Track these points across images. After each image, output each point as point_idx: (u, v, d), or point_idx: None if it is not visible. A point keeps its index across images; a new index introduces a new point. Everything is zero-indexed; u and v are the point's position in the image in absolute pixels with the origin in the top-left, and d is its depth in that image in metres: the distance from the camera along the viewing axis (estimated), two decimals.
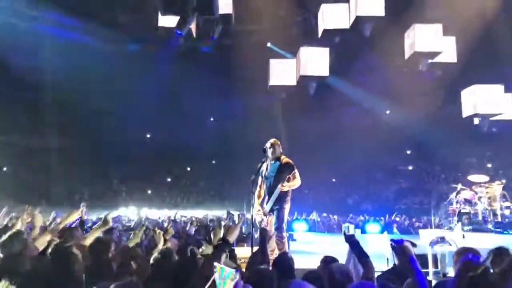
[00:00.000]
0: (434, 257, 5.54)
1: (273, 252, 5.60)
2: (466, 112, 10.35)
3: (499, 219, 9.77)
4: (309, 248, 9.26)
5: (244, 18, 11.19)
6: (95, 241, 3.85)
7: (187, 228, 9.13)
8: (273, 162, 6.15)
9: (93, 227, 4.72)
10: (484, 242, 7.60)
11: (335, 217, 18.98)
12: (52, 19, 14.25)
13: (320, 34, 9.73)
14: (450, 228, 9.97)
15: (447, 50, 9.63)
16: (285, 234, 6.12)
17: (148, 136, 26.74)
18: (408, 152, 25.28)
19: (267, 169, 6.18)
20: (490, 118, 10.27)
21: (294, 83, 10.21)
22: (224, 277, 2.25)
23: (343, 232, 3.54)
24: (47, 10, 13.63)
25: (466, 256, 2.76)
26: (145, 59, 16.87)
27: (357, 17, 8.91)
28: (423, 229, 12.05)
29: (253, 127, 19.34)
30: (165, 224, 8.75)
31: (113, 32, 14.45)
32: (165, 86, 19.40)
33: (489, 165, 21.07)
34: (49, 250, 3.23)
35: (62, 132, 21.21)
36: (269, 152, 6.15)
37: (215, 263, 2.36)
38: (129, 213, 21.09)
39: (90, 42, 15.68)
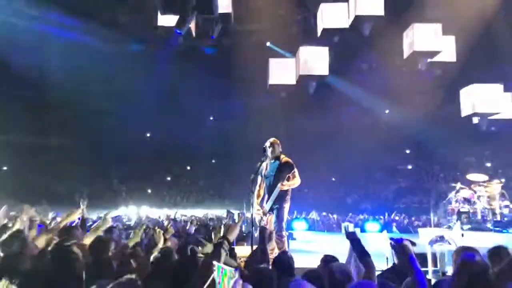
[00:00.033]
0: (434, 256, 5.56)
1: (273, 251, 5.61)
2: (465, 111, 10.36)
3: (498, 218, 9.80)
4: (309, 247, 9.29)
5: (244, 17, 11.18)
6: (95, 240, 3.86)
7: (187, 227, 9.14)
8: (273, 161, 6.16)
9: (93, 226, 4.73)
10: (483, 241, 7.62)
11: (335, 216, 19.02)
12: (51, 19, 14.24)
13: (319, 34, 9.72)
14: (449, 227, 9.99)
15: (447, 49, 9.63)
16: (284, 233, 6.13)
17: (148, 135, 26.75)
18: (408, 151, 25.31)
19: (266, 168, 6.19)
20: (489, 117, 10.27)
21: (293, 82, 10.22)
22: (223, 276, 2.26)
23: (344, 230, 3.54)
24: (47, 10, 13.62)
25: (465, 255, 2.77)
26: (144, 58, 16.86)
27: (356, 16, 8.91)
28: (422, 228, 12.08)
29: (253, 126, 19.33)
30: (165, 223, 8.78)
31: (113, 31, 14.43)
32: (165, 85, 19.39)
33: (488, 164, 21.09)
34: (49, 249, 3.24)
35: (61, 131, 21.20)
36: (269, 151, 6.16)
37: (215, 262, 2.37)
38: (129, 212, 21.10)
39: (89, 42, 15.67)
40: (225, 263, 2.46)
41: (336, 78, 15.56)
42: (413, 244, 2.98)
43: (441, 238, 5.86)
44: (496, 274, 2.64)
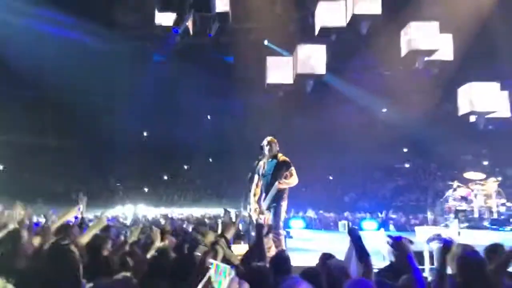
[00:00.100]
0: (431, 254, 5.56)
1: (270, 249, 5.61)
2: (462, 109, 10.38)
3: (495, 216, 9.82)
4: (306, 245, 9.28)
5: (241, 15, 11.17)
6: (92, 238, 3.85)
7: (184, 226, 9.13)
8: (270, 160, 6.16)
9: (89, 225, 4.71)
10: (480, 239, 7.63)
11: (332, 214, 19.04)
12: (49, 17, 14.20)
13: (317, 32, 9.72)
14: (446, 225, 10.01)
15: (444, 47, 9.65)
16: (282, 232, 6.13)
17: (145, 134, 26.70)
18: (405, 149, 25.34)
19: (264, 167, 6.18)
20: (486, 116, 10.30)
21: (291, 81, 10.22)
22: (220, 274, 2.25)
23: (346, 227, 3.53)
24: (45, 9, 13.58)
25: (463, 253, 2.78)
26: (141, 57, 16.82)
27: (353, 15, 8.92)
28: (419, 227, 12.09)
29: (250, 125, 19.32)
30: (162, 222, 8.77)
31: (110, 30, 14.39)
32: (161, 84, 19.35)
33: (485, 163, 21.15)
34: (46, 247, 3.22)
35: (58, 130, 21.17)
36: (266, 150, 6.16)
37: (211, 260, 2.37)
38: (126, 211, 21.06)
39: (86, 40, 15.63)
40: (227, 258, 2.46)
41: (333, 77, 15.54)
42: (411, 242, 2.99)
43: (438, 236, 5.87)
44: (494, 271, 2.65)
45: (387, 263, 4.29)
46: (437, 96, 16.34)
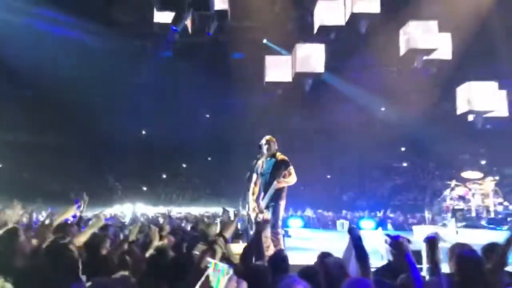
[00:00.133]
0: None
1: (268, 248, 5.62)
2: (460, 109, 10.40)
3: (492, 215, 9.85)
4: (304, 244, 9.31)
5: (240, 14, 11.15)
6: (90, 237, 3.84)
7: (183, 225, 9.13)
8: (269, 159, 6.16)
9: (88, 224, 4.70)
10: (478, 238, 7.66)
11: (330, 213, 19.07)
12: (49, 16, 14.16)
13: (315, 31, 9.72)
14: (444, 225, 10.04)
15: (442, 46, 9.66)
16: (280, 231, 6.13)
17: (144, 132, 26.65)
18: (403, 149, 25.35)
19: (262, 166, 6.19)
20: (484, 115, 10.32)
21: (289, 79, 10.22)
22: (218, 273, 2.26)
23: (346, 226, 3.54)
24: (44, 8, 13.55)
25: (460, 252, 2.79)
26: (140, 56, 16.78)
27: (352, 13, 8.93)
28: (417, 225, 12.12)
29: (249, 124, 19.31)
30: (161, 221, 8.75)
31: (109, 29, 14.36)
32: (160, 82, 19.32)
33: (483, 162, 21.19)
34: (45, 246, 3.22)
35: (56, 129, 21.11)
36: (265, 148, 6.16)
37: (209, 259, 2.37)
38: (125, 210, 21.04)
39: (85, 39, 15.59)
40: (227, 256, 2.46)
41: (332, 76, 15.53)
42: (409, 241, 2.99)
43: (436, 235, 5.87)
44: (491, 270, 2.66)
45: (385, 262, 4.31)
46: (436, 95, 16.34)
